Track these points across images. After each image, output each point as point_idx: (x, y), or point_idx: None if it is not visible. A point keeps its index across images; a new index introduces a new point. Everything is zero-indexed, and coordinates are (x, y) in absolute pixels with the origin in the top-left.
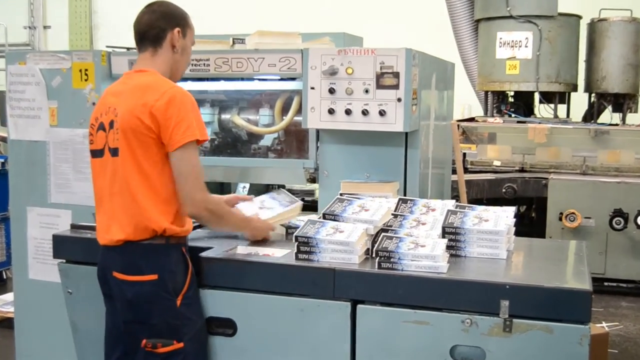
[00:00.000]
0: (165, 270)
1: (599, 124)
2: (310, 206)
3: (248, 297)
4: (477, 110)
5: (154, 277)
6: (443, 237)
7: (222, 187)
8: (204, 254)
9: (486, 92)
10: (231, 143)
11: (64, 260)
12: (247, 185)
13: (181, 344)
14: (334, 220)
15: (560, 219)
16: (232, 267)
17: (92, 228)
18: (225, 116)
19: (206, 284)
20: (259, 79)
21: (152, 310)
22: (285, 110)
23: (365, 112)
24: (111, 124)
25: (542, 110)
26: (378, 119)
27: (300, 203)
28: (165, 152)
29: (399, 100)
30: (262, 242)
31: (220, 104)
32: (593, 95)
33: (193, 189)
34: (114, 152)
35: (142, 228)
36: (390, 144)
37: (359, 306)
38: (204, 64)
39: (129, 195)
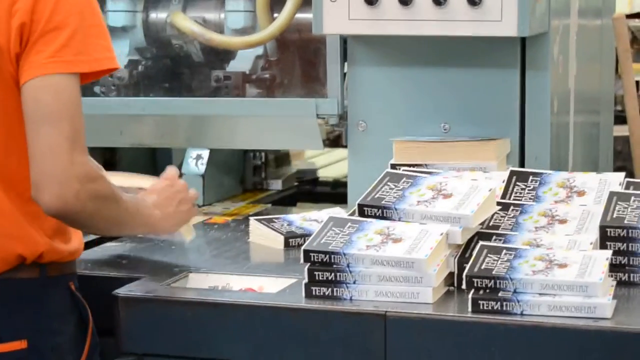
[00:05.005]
0: (41, 331)
1: None
2: (330, 193)
3: None
4: None
5: (19, 345)
6: (602, 247)
7: (155, 161)
8: (122, 292)
9: None
10: (171, 70)
11: None
12: (205, 155)
13: None
14: (382, 217)
15: None
16: (182, 318)
17: None
18: (157, 15)
19: (130, 350)
20: None
21: None
22: (276, 1)
23: (439, 0)
24: None
25: None
26: (466, 12)
27: None
28: None
29: None
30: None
31: None
32: None
33: (62, 147)
34: None
35: None
36: (490, 63)
37: None
38: None
39: None
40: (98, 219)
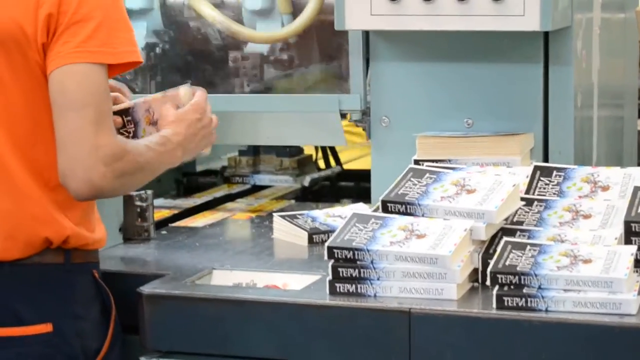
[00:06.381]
0: (66, 315)
1: None
2: (353, 186)
3: None
4: None
5: (44, 328)
6: (627, 242)
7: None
8: (146, 289)
9: None
10: (188, 51)
11: None
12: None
13: None
14: (406, 213)
15: None
16: (206, 315)
17: None
18: None
19: (154, 348)
20: None
21: None
22: None
23: None
24: None
25: None
26: (489, 7)
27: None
28: None
29: None
30: None
31: None
32: None
33: (86, 132)
34: None
35: (24, 237)
36: (514, 58)
37: None
38: None
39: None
40: (125, 189)
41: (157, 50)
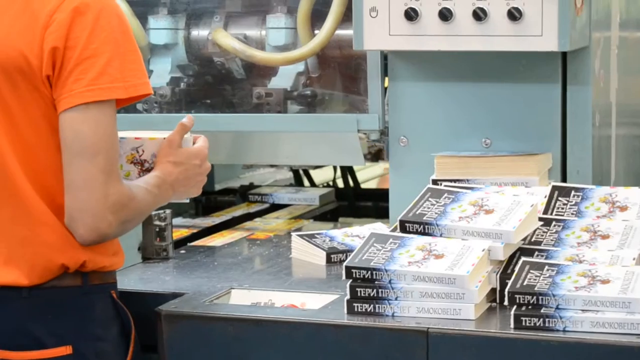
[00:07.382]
0: (85, 337)
1: None
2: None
3: None
4: None
5: (64, 350)
6: None
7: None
8: (165, 308)
9: None
10: (212, 86)
11: None
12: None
13: None
14: (424, 233)
15: None
16: (224, 334)
17: None
18: (199, 32)
19: None
20: None
21: None
22: (317, 18)
23: (480, 15)
24: None
25: None
26: (506, 27)
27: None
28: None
29: None
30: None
31: (187, 9)
32: None
33: (97, 181)
34: None
35: (42, 263)
36: (531, 78)
37: None
38: None
39: (13, 200)
40: (124, 233)
41: (182, 85)
